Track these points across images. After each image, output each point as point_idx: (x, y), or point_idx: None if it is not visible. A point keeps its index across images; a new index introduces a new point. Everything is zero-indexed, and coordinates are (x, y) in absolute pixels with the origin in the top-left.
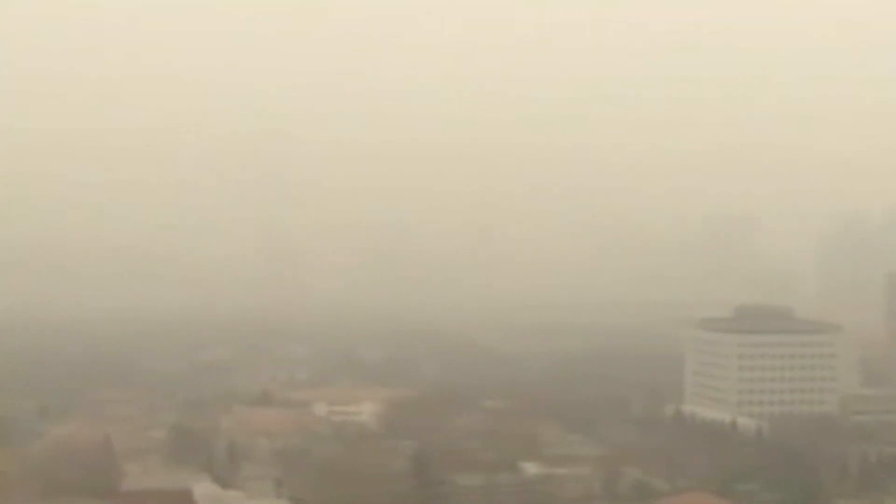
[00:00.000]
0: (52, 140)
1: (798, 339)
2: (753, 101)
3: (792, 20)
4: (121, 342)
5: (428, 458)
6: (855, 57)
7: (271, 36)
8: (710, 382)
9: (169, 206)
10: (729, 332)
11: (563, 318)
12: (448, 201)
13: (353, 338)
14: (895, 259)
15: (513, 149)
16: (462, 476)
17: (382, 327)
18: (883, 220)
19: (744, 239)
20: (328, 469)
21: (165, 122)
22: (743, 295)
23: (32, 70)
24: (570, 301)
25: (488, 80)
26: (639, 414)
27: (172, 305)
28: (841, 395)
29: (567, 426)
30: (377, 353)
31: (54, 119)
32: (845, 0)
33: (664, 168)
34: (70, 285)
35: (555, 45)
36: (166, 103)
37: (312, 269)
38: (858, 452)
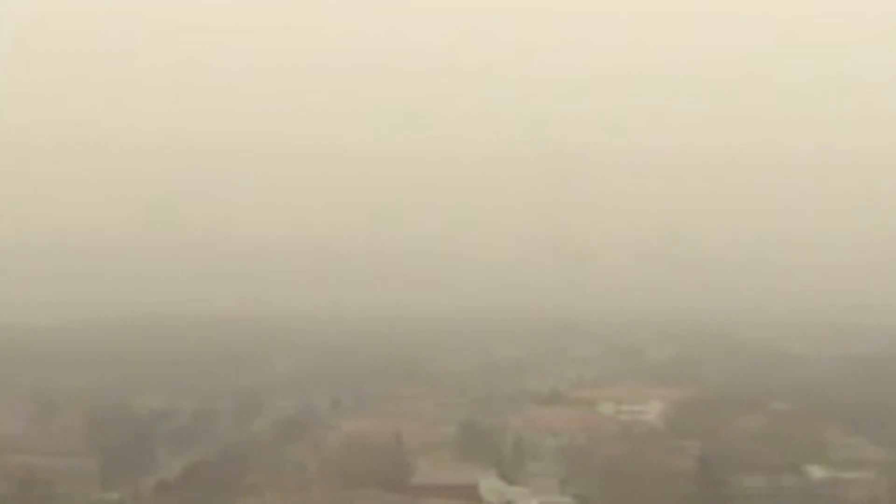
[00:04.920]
0: (328, 146)
1: None
2: None
3: None
4: (413, 341)
5: (712, 458)
6: None
7: (551, 41)
8: None
9: (460, 208)
10: None
11: (858, 320)
12: (737, 205)
13: (641, 338)
14: None
15: (804, 152)
16: (746, 477)
17: (671, 328)
18: None
19: None
20: (613, 468)
21: (454, 131)
22: None
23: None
24: (867, 302)
25: (770, 84)
26: None
27: (464, 306)
28: None
29: (855, 429)
30: (665, 354)
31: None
32: None
33: None
34: (364, 286)
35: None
36: (452, 112)
37: (601, 270)
38: None
